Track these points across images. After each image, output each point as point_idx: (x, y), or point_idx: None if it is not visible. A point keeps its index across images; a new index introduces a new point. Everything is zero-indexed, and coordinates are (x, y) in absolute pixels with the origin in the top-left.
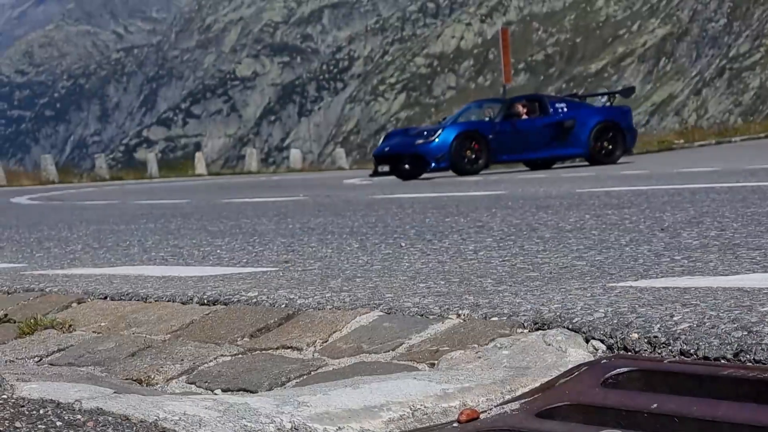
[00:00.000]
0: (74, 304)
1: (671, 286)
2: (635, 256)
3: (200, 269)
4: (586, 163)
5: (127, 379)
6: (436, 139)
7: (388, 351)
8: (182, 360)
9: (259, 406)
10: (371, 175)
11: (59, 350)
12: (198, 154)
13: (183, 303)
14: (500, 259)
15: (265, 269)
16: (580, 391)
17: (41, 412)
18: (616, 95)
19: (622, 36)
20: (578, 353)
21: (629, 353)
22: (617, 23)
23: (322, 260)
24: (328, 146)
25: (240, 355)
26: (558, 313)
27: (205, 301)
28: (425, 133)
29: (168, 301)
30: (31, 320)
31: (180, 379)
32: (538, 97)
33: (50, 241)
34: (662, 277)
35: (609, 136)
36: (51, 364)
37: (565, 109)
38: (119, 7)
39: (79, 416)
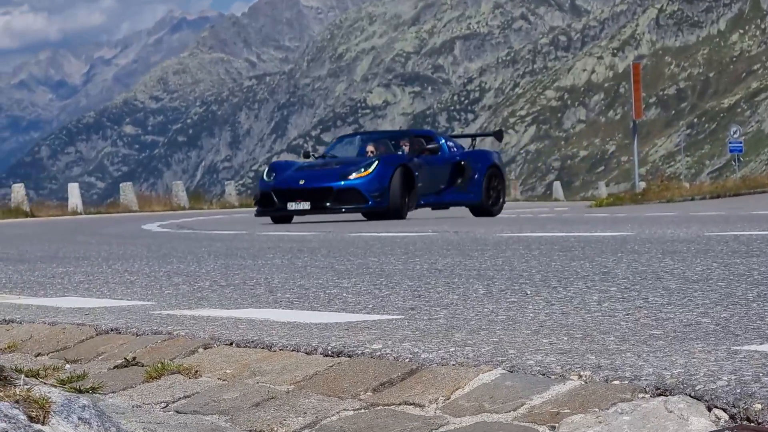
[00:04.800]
0: (200, 350)
1: None
2: (762, 315)
3: (325, 315)
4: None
5: (250, 430)
6: (372, 172)
7: (509, 411)
8: (305, 413)
9: None
10: (258, 215)
11: (185, 397)
12: None
13: (307, 353)
14: (624, 312)
15: (390, 317)
16: None
17: None
18: (479, 138)
19: (756, 71)
20: (700, 422)
21: (752, 424)
22: (751, 58)
23: (447, 307)
24: None
25: (362, 410)
26: (680, 379)
27: (329, 352)
28: (355, 164)
29: (292, 350)
30: (159, 365)
31: None
32: (426, 133)
33: (179, 276)
34: None
35: (495, 184)
36: (177, 411)
37: (455, 149)
38: (252, 35)
39: None
